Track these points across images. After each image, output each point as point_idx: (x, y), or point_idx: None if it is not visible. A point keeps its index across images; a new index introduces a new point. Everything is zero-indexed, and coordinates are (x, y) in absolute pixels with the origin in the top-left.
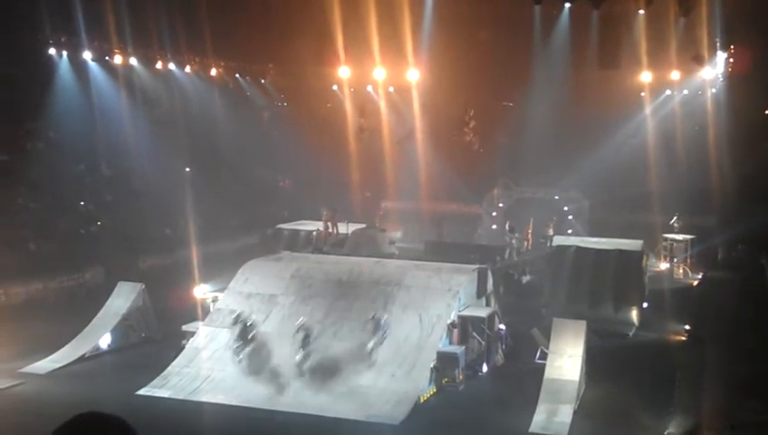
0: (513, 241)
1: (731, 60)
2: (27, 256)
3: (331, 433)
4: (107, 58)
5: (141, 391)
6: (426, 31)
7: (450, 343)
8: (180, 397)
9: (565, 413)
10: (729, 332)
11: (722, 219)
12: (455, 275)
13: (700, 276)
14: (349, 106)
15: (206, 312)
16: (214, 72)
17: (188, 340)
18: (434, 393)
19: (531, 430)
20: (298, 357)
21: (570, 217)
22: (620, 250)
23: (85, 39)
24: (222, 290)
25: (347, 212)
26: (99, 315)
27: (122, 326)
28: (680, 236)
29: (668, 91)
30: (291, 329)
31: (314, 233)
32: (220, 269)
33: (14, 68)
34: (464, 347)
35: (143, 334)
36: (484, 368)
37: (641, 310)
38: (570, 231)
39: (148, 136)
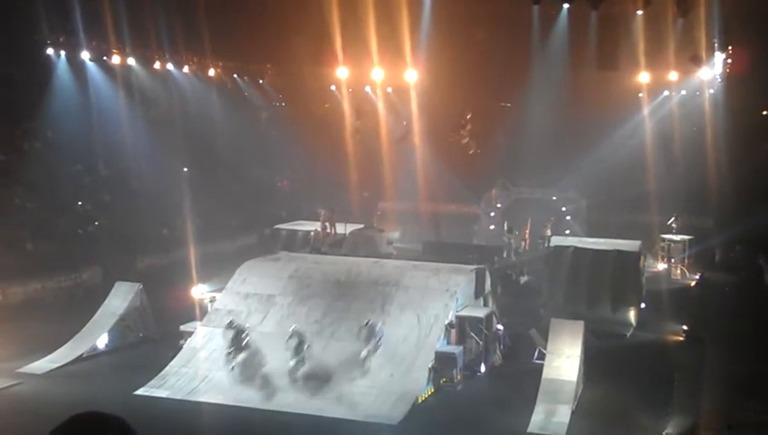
0: (512, 241)
1: (729, 61)
2: (25, 256)
3: (329, 433)
4: (105, 58)
5: (139, 392)
6: (424, 31)
7: (448, 343)
8: (178, 397)
9: (563, 413)
10: (727, 332)
11: (719, 220)
12: (453, 275)
13: (698, 277)
14: (347, 106)
15: (204, 312)
16: (212, 72)
17: (186, 340)
18: (432, 393)
19: (529, 430)
20: (291, 363)
21: (567, 217)
22: (618, 251)
23: (83, 39)
24: (220, 290)
25: (345, 212)
26: (96, 315)
27: (120, 326)
28: (678, 237)
29: (666, 92)
30: (291, 326)
31: (312, 233)
32: (218, 269)
33: (11, 68)
34: (462, 347)
35: (141, 334)
36: (482, 368)
37: (639, 310)
38: (567, 231)
39: (145, 136)
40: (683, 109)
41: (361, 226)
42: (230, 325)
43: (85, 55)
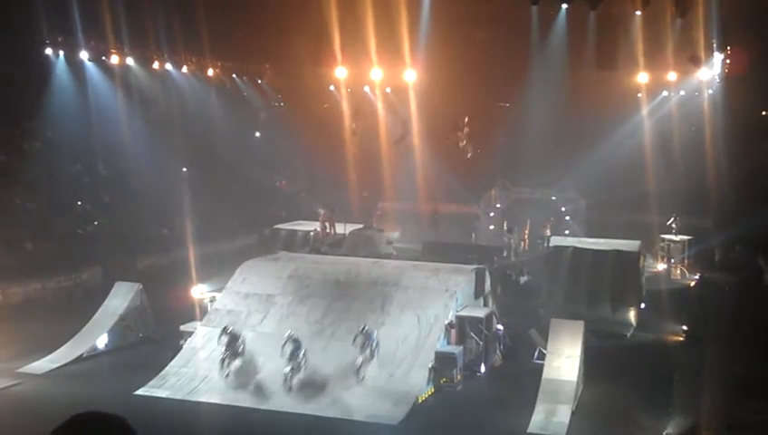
0: (511, 241)
1: (727, 61)
2: (25, 256)
3: (329, 433)
4: (104, 58)
5: (139, 391)
6: (423, 31)
7: (448, 343)
8: (178, 397)
9: (563, 413)
10: (727, 332)
11: (719, 220)
12: (452, 275)
13: (697, 277)
14: (346, 107)
15: (204, 312)
16: (211, 72)
17: (186, 340)
18: (432, 394)
19: (529, 430)
20: (286, 370)
21: (567, 217)
22: (618, 251)
23: (82, 39)
24: (219, 290)
25: (344, 212)
26: (96, 315)
27: (120, 326)
28: (677, 237)
29: (665, 92)
30: (287, 331)
31: (312, 233)
32: (218, 269)
33: (10, 68)
34: (462, 347)
35: (141, 334)
36: (482, 368)
37: (639, 310)
38: (567, 232)
39: (145, 136)
40: (682, 109)
41: (361, 226)
42: (225, 331)
43: (84, 55)
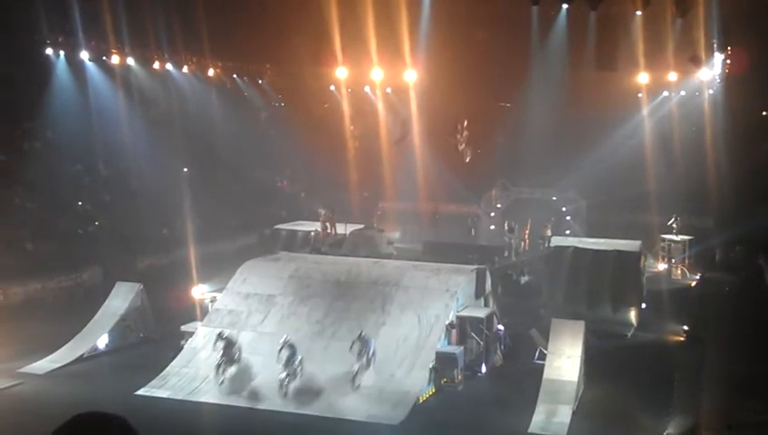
0: (512, 241)
1: (728, 61)
2: (25, 256)
3: (330, 433)
4: (104, 58)
5: (140, 392)
6: (423, 31)
7: (449, 343)
8: (179, 397)
9: (564, 414)
10: (727, 332)
11: (719, 220)
12: (453, 275)
13: (698, 277)
14: (346, 107)
15: (205, 312)
16: (211, 72)
17: (187, 340)
18: (433, 394)
19: (530, 430)
20: (282, 376)
21: (568, 217)
22: (618, 251)
23: (82, 39)
24: (220, 290)
25: (345, 212)
26: (97, 315)
27: (120, 326)
28: (678, 237)
29: (666, 93)
30: (288, 330)
31: (312, 233)
32: (218, 269)
33: (11, 68)
34: (462, 348)
35: (141, 335)
36: (483, 368)
37: (640, 310)
38: (568, 232)
39: (145, 136)
40: (682, 109)
41: (361, 226)
42: (221, 336)
43: (84, 55)
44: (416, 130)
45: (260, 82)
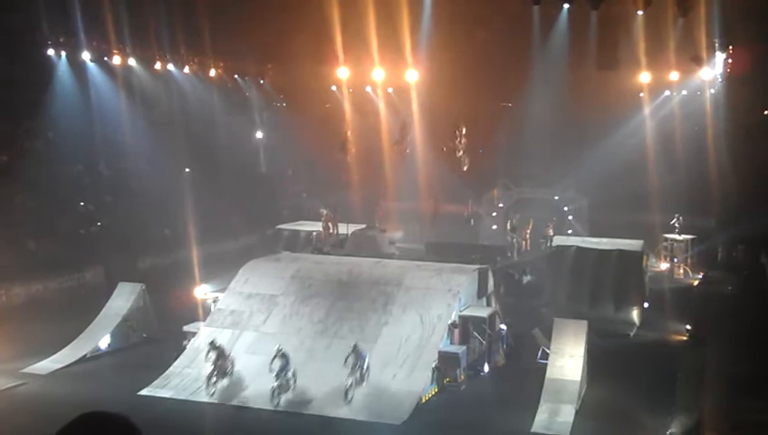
0: (514, 241)
1: (730, 60)
2: (27, 255)
3: (332, 433)
4: (105, 58)
5: (143, 392)
6: (425, 31)
7: (451, 343)
8: (182, 397)
9: (567, 413)
10: (730, 331)
11: (722, 219)
12: (455, 275)
13: (700, 276)
14: (348, 107)
15: (207, 312)
16: (213, 72)
17: (189, 340)
18: (436, 393)
19: (533, 429)
20: (274, 385)
21: (570, 217)
22: (621, 250)
23: (84, 39)
24: (222, 290)
25: (347, 212)
26: (99, 316)
27: (123, 327)
28: (680, 237)
29: (667, 92)
30: (290, 330)
31: (314, 233)
32: (220, 269)
33: (12, 68)
34: (465, 347)
35: (144, 335)
36: (486, 368)
37: (642, 310)
38: (570, 231)
39: (146, 136)
40: (684, 109)
41: (364, 226)
42: (213, 345)
43: (86, 56)
44: (417, 130)
45: (261, 82)
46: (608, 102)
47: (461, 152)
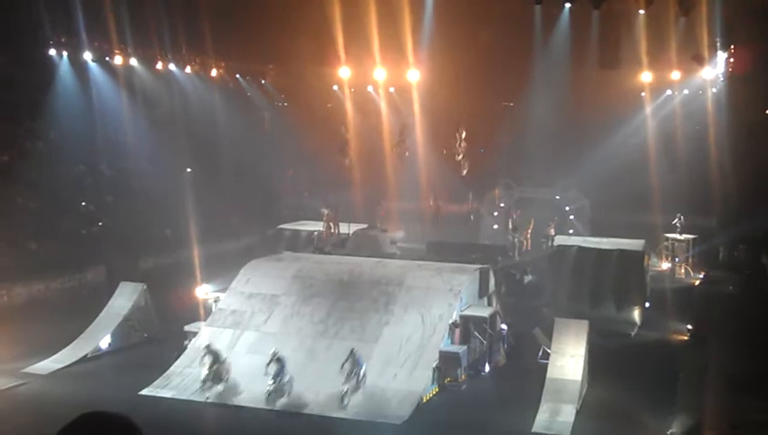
0: (515, 240)
1: (731, 59)
2: (28, 256)
3: (333, 433)
4: (107, 59)
5: (144, 391)
6: (426, 31)
7: (452, 342)
8: (183, 397)
9: (568, 413)
10: (731, 331)
11: (723, 219)
12: (456, 274)
13: (702, 276)
14: (349, 106)
15: (208, 312)
16: (214, 72)
17: (190, 340)
18: (436, 393)
19: (534, 429)
20: (270, 388)
21: (571, 216)
22: (622, 250)
23: (85, 39)
24: (224, 290)
25: (348, 212)
26: (101, 316)
27: (124, 327)
28: (682, 236)
29: (669, 91)
30: (291, 330)
31: (315, 233)
32: (221, 269)
33: (14, 68)
34: (466, 347)
35: (145, 335)
36: (487, 368)
37: (643, 309)
38: (571, 231)
39: (148, 137)
40: (686, 108)
41: (365, 226)
42: (208, 349)
43: (87, 56)
44: (418, 130)
45: (263, 82)
46: (609, 102)
47: (460, 156)
